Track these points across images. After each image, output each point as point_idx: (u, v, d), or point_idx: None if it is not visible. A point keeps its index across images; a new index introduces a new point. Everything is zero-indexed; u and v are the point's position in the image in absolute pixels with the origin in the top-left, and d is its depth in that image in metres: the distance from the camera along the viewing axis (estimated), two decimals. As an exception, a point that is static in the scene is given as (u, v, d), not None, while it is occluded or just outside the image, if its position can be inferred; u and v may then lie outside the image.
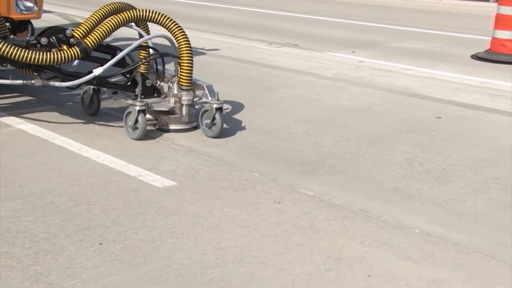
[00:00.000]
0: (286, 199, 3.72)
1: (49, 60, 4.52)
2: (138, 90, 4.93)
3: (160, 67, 5.08)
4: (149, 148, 4.55)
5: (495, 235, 3.33)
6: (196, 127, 4.94)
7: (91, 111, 5.30)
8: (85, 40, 4.65)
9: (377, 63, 7.91)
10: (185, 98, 4.84)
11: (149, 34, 5.17)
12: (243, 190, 3.83)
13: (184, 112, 4.86)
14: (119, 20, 4.75)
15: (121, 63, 4.90)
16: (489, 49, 8.43)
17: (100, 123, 5.09)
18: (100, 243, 3.12)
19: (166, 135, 4.84)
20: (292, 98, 6.08)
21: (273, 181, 3.99)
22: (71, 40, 4.62)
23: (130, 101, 4.88)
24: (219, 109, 4.76)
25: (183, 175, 4.06)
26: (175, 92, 4.92)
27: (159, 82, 5.08)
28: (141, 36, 5.17)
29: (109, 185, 3.85)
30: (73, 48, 4.62)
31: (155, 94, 5.04)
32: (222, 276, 2.85)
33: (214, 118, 4.74)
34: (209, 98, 4.83)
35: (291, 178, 4.04)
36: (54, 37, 4.60)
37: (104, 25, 4.71)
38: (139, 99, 4.70)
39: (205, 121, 4.81)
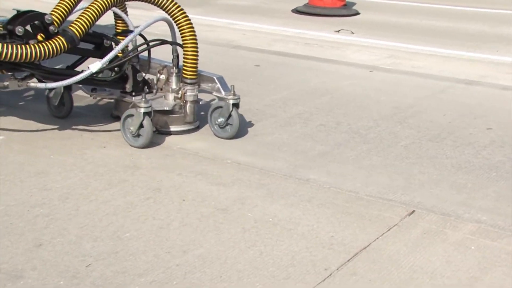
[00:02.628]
0: (111, 144, 4.00)
1: (31, 55, 3.65)
2: (129, 86, 4.14)
3: (140, 56, 4.29)
4: (-26, 107, 4.58)
5: (294, 159, 3.86)
6: (198, 127, 4.30)
7: (61, 113, 4.40)
8: (72, 27, 3.82)
9: (205, 19, 8.27)
10: (190, 93, 4.13)
11: (127, 15, 4.46)
12: (70, 139, 4.05)
13: (188, 110, 4.16)
14: (108, 1, 3.90)
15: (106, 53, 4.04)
16: (307, 3, 9.12)
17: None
18: None
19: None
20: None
21: (99, 129, 4.24)
22: (51, 28, 3.78)
23: (114, 99, 4.24)
24: (236, 105, 4.11)
25: (11, 129, 4.17)
26: (174, 86, 4.19)
27: (144, 75, 4.29)
28: (118, 17, 4.51)
29: None
30: (58, 38, 3.77)
31: (147, 90, 4.24)
32: (48, 212, 3.09)
33: (230, 116, 4.10)
34: (222, 92, 4.14)
35: (117, 126, 4.31)
36: (30, 25, 3.75)
37: (90, 8, 3.88)
38: (143, 99, 3.88)
39: (219, 120, 4.12)
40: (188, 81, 4.14)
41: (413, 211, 3.21)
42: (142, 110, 3.86)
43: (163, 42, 4.20)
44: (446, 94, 5.28)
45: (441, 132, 4.36)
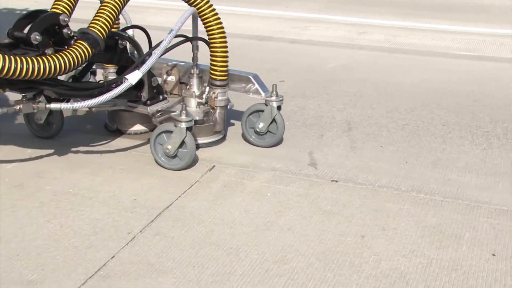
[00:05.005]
0: None
1: (55, 69, 2.91)
2: (145, 94, 3.42)
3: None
4: None
5: (93, 127, 3.79)
6: (224, 137, 3.71)
7: (49, 132, 3.61)
8: (93, 28, 3.07)
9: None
10: (222, 98, 3.53)
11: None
12: None
13: (219, 118, 3.56)
14: None
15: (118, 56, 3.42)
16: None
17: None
18: None
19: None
20: None
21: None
22: (65, 30, 3.05)
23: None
24: (279, 108, 3.57)
25: None
26: (196, 90, 3.60)
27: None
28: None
29: None
30: (80, 43, 3.02)
31: (160, 96, 3.52)
32: None
33: (273, 121, 3.56)
34: (262, 93, 3.57)
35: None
36: (43, 30, 2.97)
37: (108, 4, 3.15)
38: (184, 111, 3.18)
39: (259, 126, 3.54)
40: (218, 83, 3.54)
41: (214, 166, 3.31)
42: (184, 125, 3.19)
43: (187, 38, 3.56)
44: (241, 51, 5.46)
45: (238, 88, 4.52)
